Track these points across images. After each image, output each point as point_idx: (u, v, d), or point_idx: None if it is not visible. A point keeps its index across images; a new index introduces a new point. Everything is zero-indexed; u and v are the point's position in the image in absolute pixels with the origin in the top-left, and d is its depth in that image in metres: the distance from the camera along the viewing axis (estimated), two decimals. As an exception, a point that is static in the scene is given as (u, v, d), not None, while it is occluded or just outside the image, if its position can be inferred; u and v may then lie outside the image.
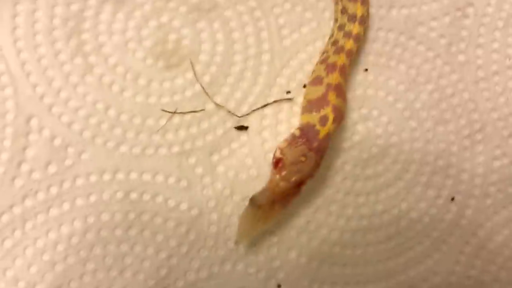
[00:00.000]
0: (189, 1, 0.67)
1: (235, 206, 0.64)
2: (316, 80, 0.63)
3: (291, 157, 0.57)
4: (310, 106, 0.61)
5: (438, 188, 0.68)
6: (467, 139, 0.69)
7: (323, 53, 0.66)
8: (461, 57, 0.70)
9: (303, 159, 0.57)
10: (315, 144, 0.58)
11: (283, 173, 0.56)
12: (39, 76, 0.63)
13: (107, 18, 0.65)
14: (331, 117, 0.59)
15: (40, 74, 0.63)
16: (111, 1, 0.65)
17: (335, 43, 0.65)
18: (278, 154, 0.57)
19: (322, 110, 0.60)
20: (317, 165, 0.58)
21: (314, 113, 0.60)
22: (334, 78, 0.61)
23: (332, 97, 0.60)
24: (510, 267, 0.68)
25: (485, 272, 0.68)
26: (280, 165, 0.57)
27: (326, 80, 0.61)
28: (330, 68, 0.62)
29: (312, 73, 0.65)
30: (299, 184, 0.57)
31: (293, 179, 0.56)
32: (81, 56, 0.64)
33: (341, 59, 0.62)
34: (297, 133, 0.59)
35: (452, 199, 0.68)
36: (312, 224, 0.66)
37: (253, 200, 0.57)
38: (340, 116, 0.61)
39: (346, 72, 0.63)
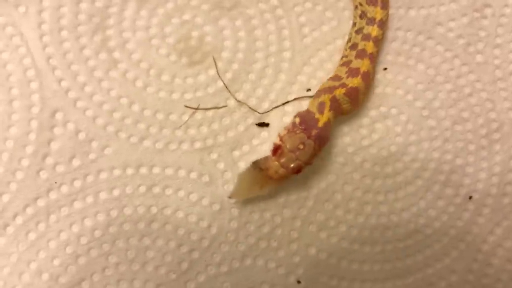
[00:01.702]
0: (212, -1, 0.68)
1: (256, 202, 0.65)
2: (335, 77, 0.64)
3: (290, 145, 0.58)
4: (317, 93, 0.63)
5: (456, 186, 0.69)
6: (485, 138, 0.70)
7: (343, 57, 0.67)
8: (479, 57, 0.71)
9: (301, 146, 0.58)
10: (314, 132, 0.59)
11: (282, 160, 0.58)
12: (64, 71, 0.64)
13: (131, 15, 0.66)
14: (327, 104, 0.61)
15: (65, 68, 0.64)
16: (136, -2, 0.67)
17: (354, 46, 0.66)
18: (277, 141, 0.59)
19: (321, 96, 0.61)
20: (315, 153, 0.59)
21: (315, 99, 0.62)
22: (353, 81, 0.62)
23: (339, 92, 0.62)
24: (528, 265, 0.68)
25: (503, 270, 0.68)
26: (279, 152, 0.58)
27: (343, 80, 0.63)
28: (353, 72, 0.63)
29: (333, 73, 0.66)
30: (297, 171, 0.58)
31: (291, 166, 0.58)
32: (105, 52, 0.65)
33: (365, 65, 0.63)
34: (297, 121, 0.60)
35: (470, 197, 0.69)
36: (331, 221, 0.66)
37: (255, 163, 0.59)
38: (337, 107, 0.62)
39: (369, 77, 0.64)
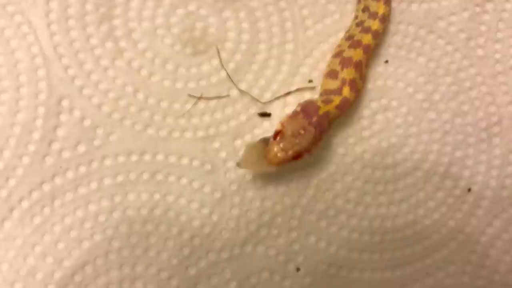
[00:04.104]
0: (216, -10, 0.69)
1: (257, 191, 0.66)
2: (332, 74, 0.65)
3: (291, 130, 0.59)
4: (325, 93, 0.65)
5: (455, 178, 0.69)
6: (484, 132, 0.71)
7: (337, 47, 0.68)
8: (479, 51, 0.72)
9: (302, 132, 0.59)
10: (314, 119, 0.60)
11: (282, 144, 0.59)
12: (71, 59, 0.65)
13: (137, 5, 0.68)
14: (336, 101, 0.62)
15: (72, 57, 0.65)
16: (142, -11, 0.68)
17: (349, 37, 0.67)
18: (278, 127, 0.60)
19: (330, 96, 0.63)
20: (315, 140, 0.60)
21: (322, 96, 0.64)
22: (348, 73, 0.64)
23: (346, 91, 0.63)
24: (526, 257, 0.69)
25: (500, 262, 0.69)
26: (279, 136, 0.59)
27: (341, 75, 0.64)
28: (346, 62, 0.64)
29: (327, 66, 0.67)
30: (296, 157, 0.59)
31: (291, 151, 0.59)
32: (111, 41, 0.66)
33: (357, 55, 0.65)
34: (298, 108, 0.61)
35: (469, 189, 0.70)
36: (331, 210, 0.67)
37: (264, 139, 0.61)
38: (347, 106, 0.63)
39: (362, 67, 0.65)
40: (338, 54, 0.66)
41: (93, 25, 0.66)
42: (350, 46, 0.65)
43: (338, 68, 0.65)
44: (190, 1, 0.69)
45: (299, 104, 0.62)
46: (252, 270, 0.65)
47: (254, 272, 0.65)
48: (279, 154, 0.59)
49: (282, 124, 0.60)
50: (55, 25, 0.66)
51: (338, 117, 0.64)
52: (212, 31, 0.68)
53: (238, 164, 0.61)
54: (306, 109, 0.61)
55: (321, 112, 0.61)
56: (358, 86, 0.65)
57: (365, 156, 0.69)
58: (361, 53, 0.65)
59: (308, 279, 0.66)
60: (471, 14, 0.72)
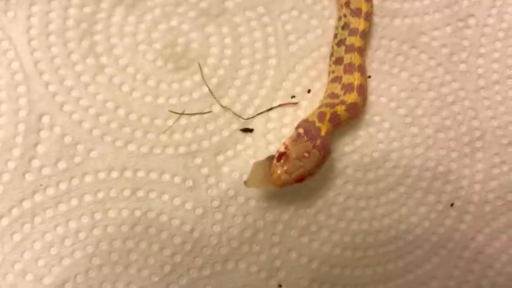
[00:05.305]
0: (198, 6, 0.69)
1: (239, 207, 0.66)
2: (332, 95, 0.66)
3: (295, 153, 0.59)
4: (318, 108, 0.65)
5: (438, 193, 0.69)
6: (467, 146, 0.71)
7: (329, 73, 0.68)
8: (462, 66, 0.72)
9: (306, 155, 0.59)
10: (318, 142, 0.60)
11: (286, 167, 0.58)
12: (51, 75, 0.65)
13: (118, 21, 0.68)
14: (328, 115, 0.62)
15: (53, 73, 0.65)
16: (123, 5, 0.68)
17: (339, 61, 0.67)
18: (282, 149, 0.59)
19: (322, 108, 0.63)
20: (320, 163, 0.60)
21: (315, 111, 0.63)
22: (350, 97, 0.64)
23: (340, 108, 0.63)
24: (508, 272, 0.69)
25: (483, 277, 0.69)
26: (283, 158, 0.59)
27: (342, 97, 0.65)
28: (348, 88, 0.65)
29: (327, 89, 0.68)
30: (299, 180, 0.59)
31: (295, 174, 0.58)
32: (93, 57, 0.66)
33: (357, 78, 0.65)
34: (301, 130, 0.61)
35: (452, 204, 0.70)
36: (313, 226, 0.67)
37: (270, 157, 0.60)
38: (336, 120, 0.63)
39: (364, 89, 0.66)
40: (336, 79, 0.66)
41: (74, 41, 0.66)
42: (346, 72, 0.66)
43: (341, 92, 0.65)
44: (172, 17, 0.68)
45: (299, 126, 0.62)
46: (234, 287, 0.65)
47: (235, 289, 0.65)
48: (282, 177, 0.58)
49: (286, 146, 0.60)
50: (36, 41, 0.65)
51: (334, 130, 0.64)
52: (194, 46, 0.68)
53: (245, 183, 0.60)
54: (309, 131, 0.61)
55: (322, 133, 0.61)
56: (355, 109, 0.65)
57: (347, 172, 0.69)
58: (359, 76, 0.65)
59: (290, 296, 0.66)
60: (453, 29, 0.72)
